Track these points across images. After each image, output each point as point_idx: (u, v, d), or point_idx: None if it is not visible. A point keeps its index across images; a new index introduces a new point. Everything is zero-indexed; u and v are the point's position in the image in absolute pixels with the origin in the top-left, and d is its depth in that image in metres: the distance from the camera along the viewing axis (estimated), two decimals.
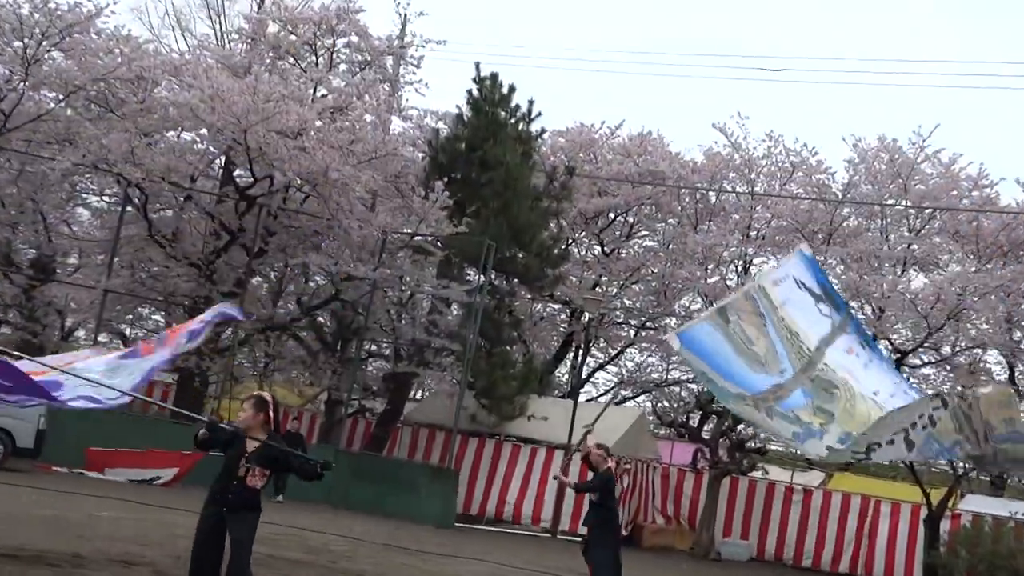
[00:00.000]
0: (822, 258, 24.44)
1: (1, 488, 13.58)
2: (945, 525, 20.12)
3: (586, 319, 26.21)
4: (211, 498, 7.22)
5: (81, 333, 27.74)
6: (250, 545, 7.19)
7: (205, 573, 7.12)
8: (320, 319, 24.00)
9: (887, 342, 23.94)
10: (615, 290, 27.26)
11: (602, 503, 10.56)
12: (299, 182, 19.83)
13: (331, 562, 11.77)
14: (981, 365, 23.23)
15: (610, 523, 10.66)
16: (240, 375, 23.56)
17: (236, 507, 7.13)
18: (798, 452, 8.61)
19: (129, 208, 20.83)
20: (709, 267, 26.25)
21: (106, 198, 23.41)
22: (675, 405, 27.80)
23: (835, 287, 10.13)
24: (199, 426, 7.46)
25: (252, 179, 20.48)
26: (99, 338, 22.24)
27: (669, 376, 28.41)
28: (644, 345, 28.08)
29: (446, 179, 20.91)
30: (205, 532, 7.13)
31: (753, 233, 25.79)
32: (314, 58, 22.17)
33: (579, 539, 13.21)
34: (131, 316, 25.19)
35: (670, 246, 26.64)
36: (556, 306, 27.89)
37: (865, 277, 22.79)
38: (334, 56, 22.25)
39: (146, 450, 18.21)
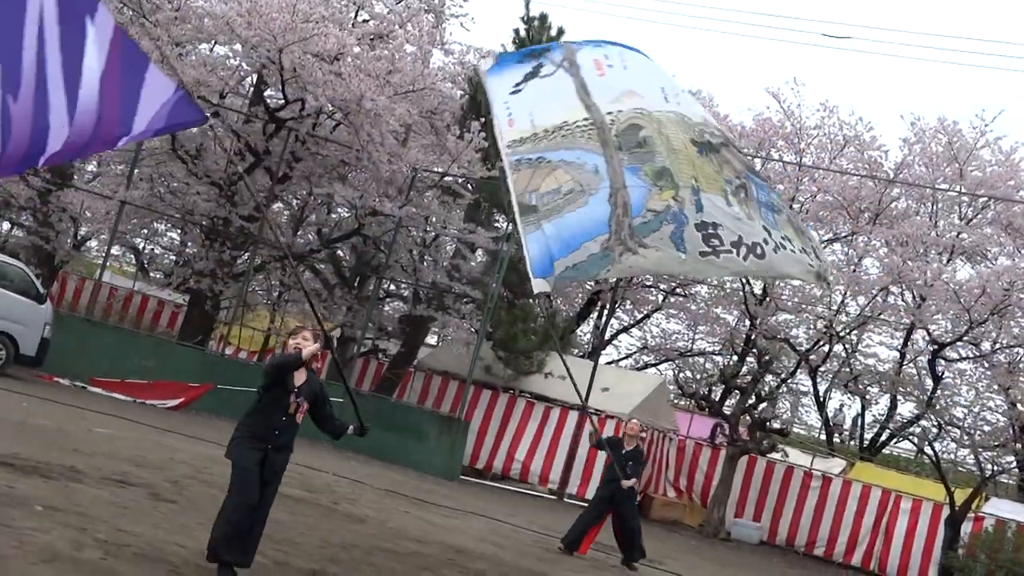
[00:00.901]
0: (865, 238, 23.53)
1: (1, 394, 13.19)
2: (967, 527, 19.45)
3: (614, 279, 25.46)
4: (257, 434, 6.52)
5: (94, 243, 27.26)
6: (277, 488, 6.72)
7: (251, 515, 6.51)
8: (340, 253, 23.42)
9: (925, 332, 23.09)
10: None
11: (636, 472, 12.66)
12: (331, 108, 19.13)
13: (333, 503, 11.37)
14: (1022, 366, 22.33)
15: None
16: (253, 302, 23.12)
17: (282, 446, 6.57)
18: (684, 267, 7.73)
19: None
20: None
21: None
22: (698, 376, 27.11)
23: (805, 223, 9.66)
24: (296, 351, 6.52)
25: (283, 101, 19.79)
26: (112, 251, 21.65)
27: (694, 346, 27.67)
28: (671, 311, 27.38)
29: (483, 120, 20.04)
30: (256, 468, 6.46)
31: (797, 206, 24.71)
32: None
33: (585, 503, 15.70)
34: (146, 231, 24.67)
35: None
36: None
37: (909, 263, 21.89)
38: None
39: (152, 382, 17.68)
